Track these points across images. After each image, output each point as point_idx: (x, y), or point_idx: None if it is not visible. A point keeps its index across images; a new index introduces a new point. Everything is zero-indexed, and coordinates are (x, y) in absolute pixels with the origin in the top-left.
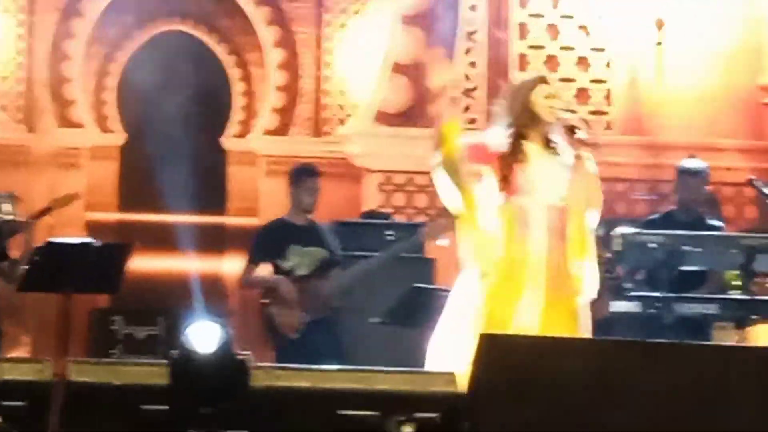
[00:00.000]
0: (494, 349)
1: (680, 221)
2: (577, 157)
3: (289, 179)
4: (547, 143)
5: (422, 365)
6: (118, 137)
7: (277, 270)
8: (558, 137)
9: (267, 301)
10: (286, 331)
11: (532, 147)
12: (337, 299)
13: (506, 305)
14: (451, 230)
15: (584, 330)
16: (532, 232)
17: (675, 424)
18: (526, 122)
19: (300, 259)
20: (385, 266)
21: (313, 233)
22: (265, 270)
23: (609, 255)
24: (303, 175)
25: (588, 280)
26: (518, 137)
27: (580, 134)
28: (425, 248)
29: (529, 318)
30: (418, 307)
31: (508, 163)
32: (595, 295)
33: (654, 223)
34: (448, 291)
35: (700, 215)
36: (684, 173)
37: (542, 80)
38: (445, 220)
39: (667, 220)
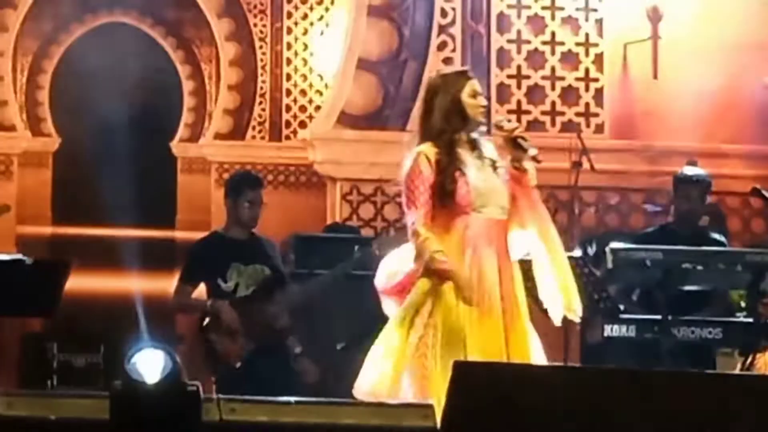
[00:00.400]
0: (471, 378)
1: (679, 235)
2: (520, 169)
3: (226, 190)
4: (474, 147)
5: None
6: (53, 142)
7: (215, 291)
8: (483, 139)
9: (205, 326)
10: (228, 360)
11: (464, 154)
12: (282, 322)
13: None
14: (401, 243)
15: (538, 356)
16: (484, 253)
17: None
18: (457, 126)
19: (241, 278)
20: (334, 286)
21: (254, 249)
22: (196, 292)
23: (600, 273)
24: (242, 185)
25: (552, 300)
26: (451, 145)
27: (525, 144)
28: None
29: (486, 345)
30: None
31: (447, 177)
32: (573, 316)
33: (649, 238)
34: None
35: (702, 229)
36: (682, 182)
37: (467, 75)
38: (394, 232)
39: (664, 235)
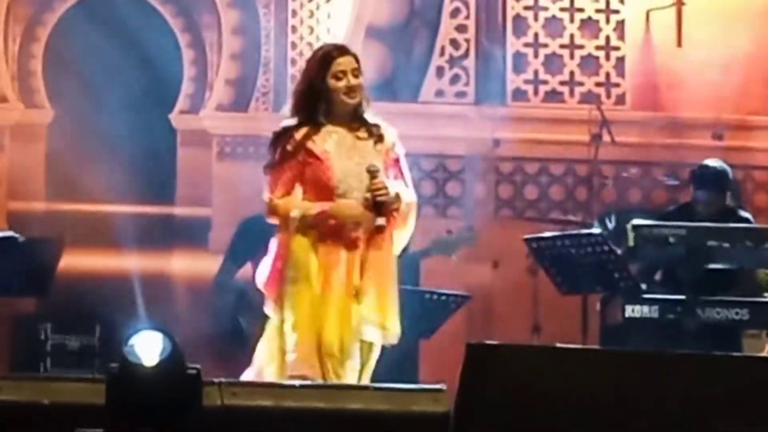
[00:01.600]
0: (485, 361)
1: (704, 213)
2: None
3: None
4: (352, 129)
5: (407, 380)
6: (46, 114)
7: None
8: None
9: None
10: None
11: (332, 139)
12: None
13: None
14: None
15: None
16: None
17: None
18: (321, 109)
19: None
20: None
21: None
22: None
23: (620, 251)
24: None
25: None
26: (316, 128)
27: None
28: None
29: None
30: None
31: (308, 161)
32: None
33: (673, 215)
34: (433, 293)
35: (728, 205)
36: (695, 183)
37: (334, 54)
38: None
39: (688, 213)
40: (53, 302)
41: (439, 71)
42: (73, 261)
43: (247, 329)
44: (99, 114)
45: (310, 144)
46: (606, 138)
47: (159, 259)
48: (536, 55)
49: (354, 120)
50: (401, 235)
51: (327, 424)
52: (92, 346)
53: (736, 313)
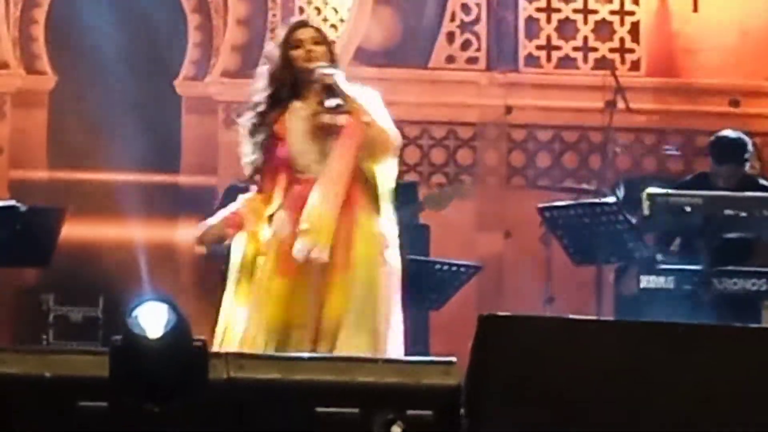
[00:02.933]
0: (498, 332)
1: (723, 185)
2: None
3: None
4: (313, 103)
5: (417, 353)
6: (48, 80)
7: None
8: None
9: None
10: None
11: (293, 117)
12: None
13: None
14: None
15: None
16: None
17: (714, 422)
18: (285, 87)
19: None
20: None
21: None
22: None
23: (635, 221)
24: None
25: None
26: (284, 110)
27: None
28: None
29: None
30: (411, 282)
31: (276, 141)
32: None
33: (690, 185)
34: (444, 263)
35: (747, 174)
36: (713, 156)
37: (296, 26)
38: (450, 188)
39: (706, 182)
40: (56, 273)
41: (450, 37)
42: (75, 231)
43: None
44: (102, 81)
45: (276, 127)
46: (620, 105)
47: (164, 228)
48: (549, 20)
49: (322, 92)
50: (384, 166)
51: (336, 396)
52: (96, 317)
53: (753, 284)
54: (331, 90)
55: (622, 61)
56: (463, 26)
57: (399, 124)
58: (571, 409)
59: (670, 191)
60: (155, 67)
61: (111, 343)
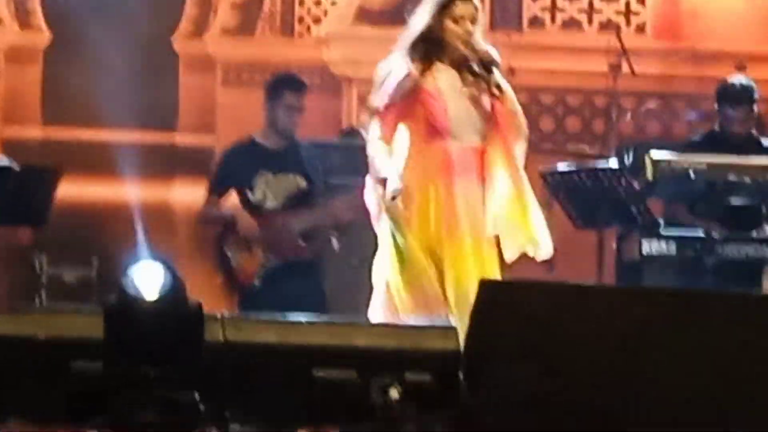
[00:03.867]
0: (497, 298)
1: (729, 144)
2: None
3: (265, 92)
4: (463, 72)
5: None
6: (42, 36)
7: (244, 203)
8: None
9: (220, 238)
10: (244, 278)
11: (444, 77)
12: (314, 238)
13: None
14: None
15: None
16: (459, 180)
17: (719, 389)
18: (437, 49)
19: (269, 189)
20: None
21: (289, 158)
22: (228, 202)
23: (639, 186)
24: (281, 87)
25: (539, 234)
26: (429, 66)
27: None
28: None
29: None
30: None
31: (421, 99)
32: (546, 254)
33: (695, 147)
34: None
35: (754, 136)
36: (723, 101)
37: None
38: None
39: (711, 143)
40: (49, 233)
41: None
42: (69, 190)
43: (234, 261)
44: (97, 37)
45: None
46: (625, 69)
47: (159, 188)
48: None
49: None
50: (520, 147)
51: (333, 360)
52: (90, 278)
53: (756, 250)
54: (485, 66)
55: (628, 24)
56: None
57: None
58: (570, 374)
59: (672, 157)
60: (152, 23)
61: (105, 304)
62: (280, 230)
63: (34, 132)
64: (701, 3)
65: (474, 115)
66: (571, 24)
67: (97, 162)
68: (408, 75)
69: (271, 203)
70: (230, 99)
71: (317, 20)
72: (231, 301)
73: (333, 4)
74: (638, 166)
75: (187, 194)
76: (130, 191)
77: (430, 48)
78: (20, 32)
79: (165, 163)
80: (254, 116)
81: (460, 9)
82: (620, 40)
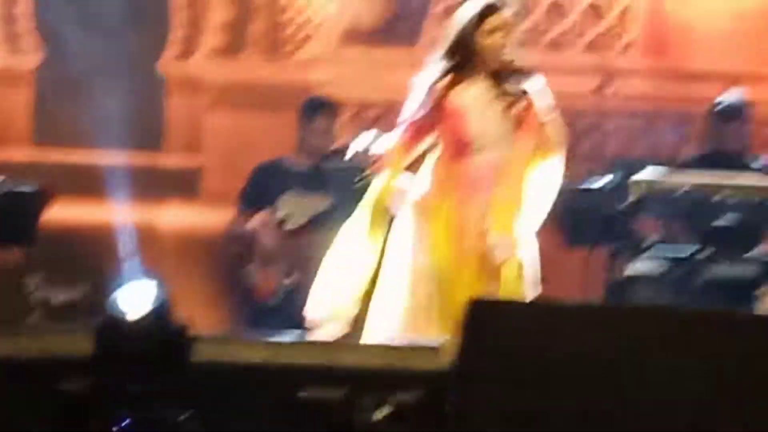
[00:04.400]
0: (486, 317)
1: (720, 162)
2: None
3: (298, 114)
4: (494, 84)
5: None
6: (32, 58)
7: (268, 221)
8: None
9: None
10: (261, 295)
11: (472, 91)
12: None
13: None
14: None
15: None
16: (480, 197)
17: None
18: (468, 63)
19: (294, 208)
20: None
21: (317, 179)
22: (254, 221)
23: (624, 206)
24: (311, 111)
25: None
26: (459, 81)
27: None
28: None
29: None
30: None
31: (445, 115)
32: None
33: (686, 165)
34: None
35: (743, 159)
36: (716, 117)
37: (488, 11)
38: None
39: (699, 165)
40: (39, 255)
41: (438, 18)
42: (59, 211)
43: (254, 279)
44: (87, 58)
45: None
46: (612, 88)
47: (147, 209)
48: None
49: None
50: (551, 162)
51: (320, 380)
52: (77, 299)
53: (744, 271)
54: (515, 76)
55: (614, 44)
56: (449, 9)
57: (389, 105)
58: (560, 393)
59: (660, 176)
60: (141, 45)
61: (94, 324)
62: (299, 249)
63: (23, 153)
64: (690, 22)
65: (502, 128)
66: (556, 45)
67: (86, 183)
68: (431, 90)
69: (293, 223)
70: (218, 120)
71: (305, 41)
72: (236, 320)
73: (320, 24)
74: (625, 186)
75: (175, 216)
76: (119, 212)
77: (461, 61)
78: (9, 54)
79: (153, 185)
80: (241, 137)
81: (493, 21)
82: (606, 60)
